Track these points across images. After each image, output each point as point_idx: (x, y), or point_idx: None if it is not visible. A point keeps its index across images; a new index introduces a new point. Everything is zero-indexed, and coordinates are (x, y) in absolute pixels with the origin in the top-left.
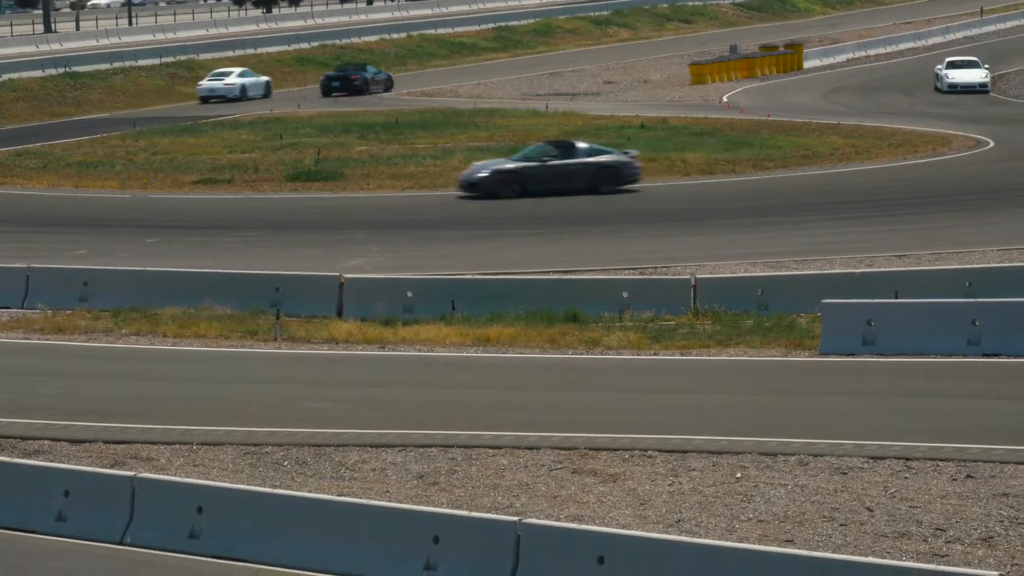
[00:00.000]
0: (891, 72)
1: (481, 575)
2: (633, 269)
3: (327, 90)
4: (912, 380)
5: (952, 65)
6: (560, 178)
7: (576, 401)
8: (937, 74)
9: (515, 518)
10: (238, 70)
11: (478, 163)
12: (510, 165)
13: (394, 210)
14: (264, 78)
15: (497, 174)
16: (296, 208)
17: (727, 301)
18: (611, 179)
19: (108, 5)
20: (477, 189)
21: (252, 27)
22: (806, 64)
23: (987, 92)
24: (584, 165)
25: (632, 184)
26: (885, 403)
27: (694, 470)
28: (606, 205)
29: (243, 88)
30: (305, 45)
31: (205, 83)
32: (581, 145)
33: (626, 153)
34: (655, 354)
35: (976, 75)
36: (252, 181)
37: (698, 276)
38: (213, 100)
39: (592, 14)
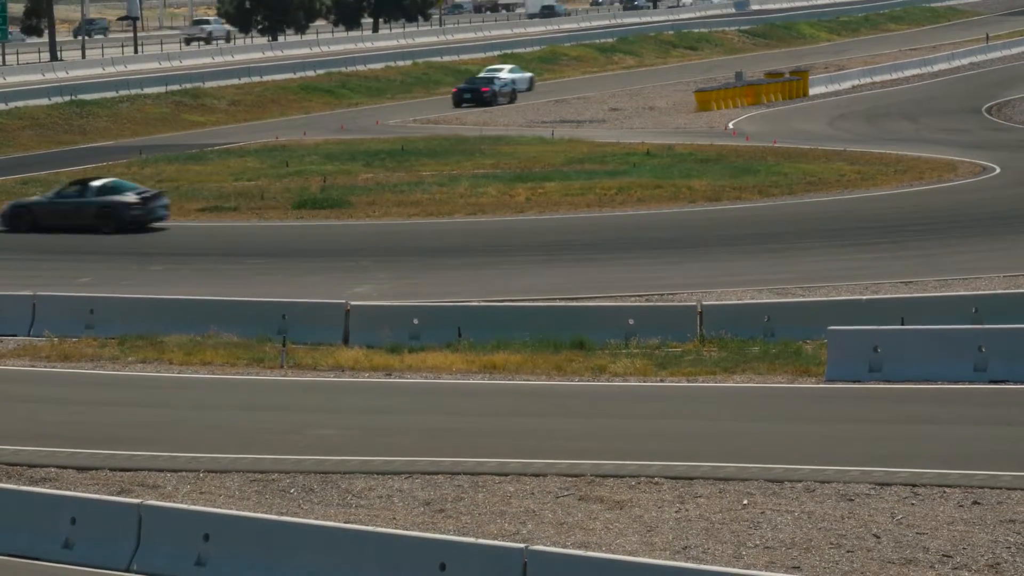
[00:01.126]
0: (897, 99)
1: None
2: (639, 296)
3: (459, 101)
4: (918, 407)
5: None
6: (66, 216)
7: (582, 428)
8: None
9: (522, 545)
10: (508, 67)
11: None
12: (27, 200)
13: (400, 236)
14: (528, 74)
15: (12, 208)
16: (302, 235)
17: (733, 328)
18: (110, 219)
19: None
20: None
21: (257, 55)
22: (812, 91)
23: None
24: (87, 204)
25: (150, 224)
26: (891, 430)
27: (701, 497)
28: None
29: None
30: (310, 73)
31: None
32: (93, 184)
33: (142, 194)
34: (661, 381)
35: None
36: (258, 208)
37: (704, 303)
38: None
39: (597, 41)
